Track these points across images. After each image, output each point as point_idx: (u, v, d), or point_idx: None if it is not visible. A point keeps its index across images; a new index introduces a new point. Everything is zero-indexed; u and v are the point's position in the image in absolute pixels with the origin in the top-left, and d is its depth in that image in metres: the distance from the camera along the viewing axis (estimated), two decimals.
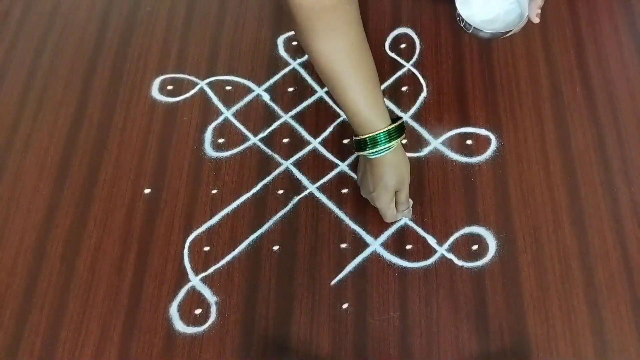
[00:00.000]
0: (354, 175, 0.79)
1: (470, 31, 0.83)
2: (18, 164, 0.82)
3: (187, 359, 0.69)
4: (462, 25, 0.84)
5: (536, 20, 0.78)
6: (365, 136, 0.68)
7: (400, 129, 0.70)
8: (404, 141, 0.81)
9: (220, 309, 0.72)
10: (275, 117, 0.84)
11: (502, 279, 0.72)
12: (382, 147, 0.68)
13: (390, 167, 0.70)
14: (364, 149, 0.69)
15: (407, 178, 0.73)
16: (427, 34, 0.89)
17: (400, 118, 0.71)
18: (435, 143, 0.81)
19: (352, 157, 0.81)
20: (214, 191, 0.79)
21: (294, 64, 0.88)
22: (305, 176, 0.80)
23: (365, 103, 0.68)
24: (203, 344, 0.70)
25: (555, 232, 0.74)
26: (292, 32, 0.90)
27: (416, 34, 0.89)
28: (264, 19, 0.92)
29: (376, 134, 0.68)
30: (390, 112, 0.79)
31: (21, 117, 0.86)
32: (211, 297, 0.72)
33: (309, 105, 0.85)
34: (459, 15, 0.83)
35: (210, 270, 0.74)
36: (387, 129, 0.68)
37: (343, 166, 0.80)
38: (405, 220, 0.76)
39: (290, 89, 0.86)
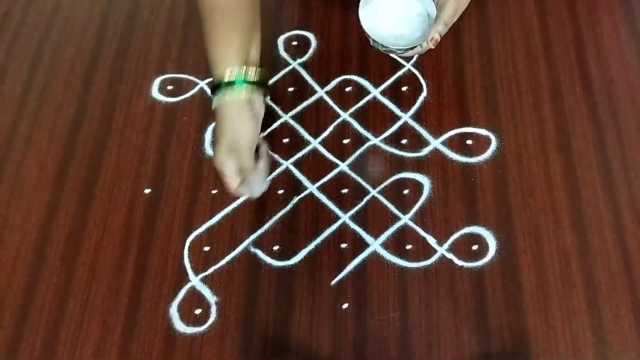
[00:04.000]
0: (354, 175, 0.79)
1: (373, 44, 0.79)
2: (18, 164, 0.82)
3: (187, 359, 0.69)
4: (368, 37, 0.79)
5: (430, 45, 0.74)
6: (224, 77, 0.67)
7: (260, 86, 0.67)
8: (404, 141, 0.81)
9: (220, 309, 0.72)
10: (275, 117, 0.84)
11: (502, 279, 0.72)
12: (229, 92, 0.66)
13: (227, 117, 0.67)
14: (217, 91, 0.67)
15: (246, 142, 0.67)
16: None
17: (264, 71, 0.70)
18: (435, 143, 0.81)
19: (352, 157, 0.81)
20: (214, 191, 0.79)
21: (294, 64, 0.88)
22: (305, 176, 0.80)
23: (229, 44, 0.67)
24: (203, 344, 0.70)
25: (555, 232, 0.74)
26: (292, 32, 0.91)
27: None
28: (264, 19, 0.91)
29: (235, 77, 0.66)
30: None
31: (21, 117, 0.86)
32: (211, 297, 0.72)
33: (309, 105, 0.85)
34: (363, 28, 0.78)
35: (210, 270, 0.74)
36: (246, 74, 0.66)
37: (343, 166, 0.80)
38: (405, 220, 0.76)
39: (290, 89, 0.86)
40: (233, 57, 0.68)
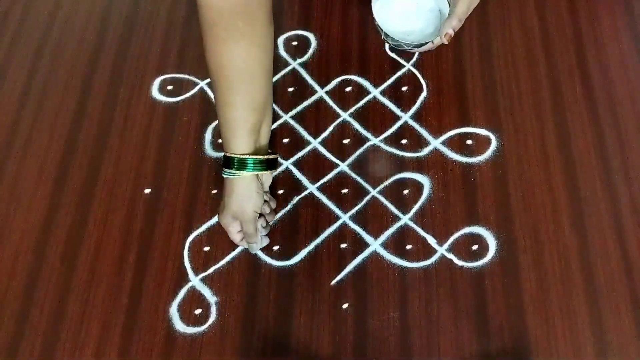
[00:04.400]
0: (354, 175, 0.79)
1: (384, 38, 0.80)
2: (18, 164, 0.82)
3: (187, 359, 0.69)
4: (380, 33, 0.80)
5: (444, 40, 0.74)
6: (236, 155, 0.71)
7: (270, 165, 0.74)
8: (404, 141, 0.81)
9: (220, 309, 0.72)
10: (275, 117, 0.84)
11: (502, 279, 0.72)
12: (241, 172, 0.71)
13: (233, 193, 0.72)
14: (229, 167, 0.71)
15: (249, 214, 0.72)
16: None
17: (275, 154, 0.77)
18: (435, 143, 0.81)
19: (352, 157, 0.81)
20: (214, 191, 0.79)
21: (294, 64, 0.88)
22: (305, 176, 0.80)
23: (244, 124, 0.71)
24: (203, 344, 0.70)
25: (555, 232, 0.74)
26: (292, 32, 0.91)
27: None
28: None
29: (246, 157, 0.70)
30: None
31: (21, 117, 0.86)
32: (211, 297, 0.72)
33: (309, 105, 0.85)
34: (376, 21, 0.79)
35: (210, 270, 0.74)
36: (259, 157, 0.71)
37: (343, 166, 0.80)
38: (405, 220, 0.76)
39: (290, 89, 0.86)
40: (246, 138, 0.71)
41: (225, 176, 0.72)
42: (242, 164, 0.71)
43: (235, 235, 0.74)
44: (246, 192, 0.72)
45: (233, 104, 0.70)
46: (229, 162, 0.71)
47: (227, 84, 0.69)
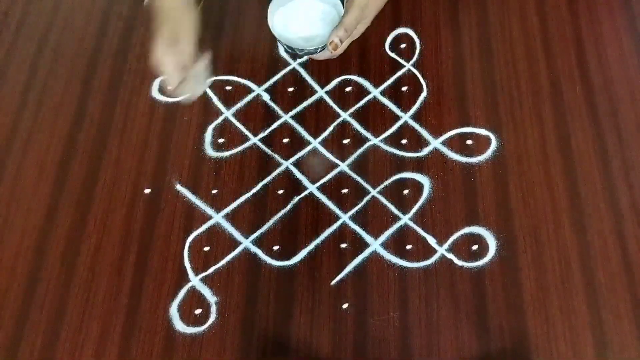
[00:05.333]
0: (354, 175, 0.79)
1: (285, 48, 0.81)
2: (18, 164, 0.82)
3: (187, 359, 0.69)
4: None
5: (329, 49, 0.73)
6: None
7: None
8: (404, 141, 0.81)
9: (220, 309, 0.72)
10: (275, 117, 0.84)
11: (502, 279, 0.72)
12: None
13: (165, 7, 0.66)
14: None
15: (185, 27, 0.66)
16: (427, 34, 0.89)
17: None
18: (435, 143, 0.81)
19: (352, 157, 0.81)
20: (214, 191, 0.79)
21: (294, 64, 0.88)
22: (305, 176, 0.80)
23: None
24: (203, 344, 0.70)
25: (555, 232, 0.74)
26: None
27: (416, 34, 0.89)
28: (264, 19, 0.92)
29: None
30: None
31: (21, 117, 0.86)
32: (211, 297, 0.72)
33: (309, 105, 0.85)
34: (272, 29, 0.80)
35: (210, 270, 0.74)
36: None
37: (343, 166, 0.80)
38: (405, 220, 0.76)
39: (290, 89, 0.86)
40: None
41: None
42: None
43: (172, 75, 0.66)
44: (179, 5, 0.67)
45: None
46: None
47: None
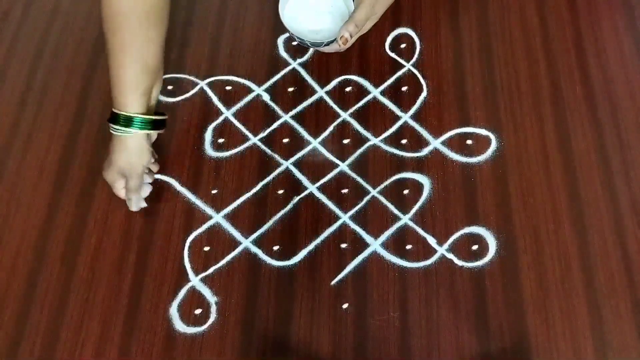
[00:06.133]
0: (354, 175, 0.79)
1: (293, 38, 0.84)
2: (18, 164, 0.82)
3: (187, 359, 0.69)
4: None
5: (339, 43, 0.77)
6: (121, 113, 0.73)
7: (157, 125, 0.77)
8: (404, 141, 0.81)
9: (220, 309, 0.72)
10: (275, 117, 0.84)
11: (502, 279, 0.72)
12: (127, 130, 0.73)
13: (124, 150, 0.74)
14: (115, 123, 0.74)
15: (136, 170, 0.75)
16: (427, 34, 0.89)
17: (163, 114, 0.79)
18: (435, 143, 0.81)
19: (352, 157, 0.81)
20: (214, 191, 0.79)
21: (294, 64, 0.88)
22: (305, 176, 0.80)
23: (136, 83, 0.73)
24: (203, 344, 0.70)
25: (555, 232, 0.74)
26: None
27: (416, 34, 0.89)
28: (264, 19, 0.92)
29: (132, 116, 0.73)
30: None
31: (21, 117, 0.86)
32: (211, 297, 0.72)
33: (309, 105, 0.85)
34: (283, 21, 0.83)
35: (210, 270, 0.74)
36: (146, 116, 0.74)
37: (343, 166, 0.80)
38: (405, 220, 0.76)
39: (290, 89, 0.86)
40: (138, 99, 0.74)
41: (115, 133, 0.74)
42: (128, 122, 0.73)
43: (120, 191, 0.76)
44: (137, 149, 0.75)
45: (127, 66, 0.72)
46: (115, 119, 0.74)
47: (122, 46, 0.72)
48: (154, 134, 0.79)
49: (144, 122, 0.74)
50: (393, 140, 0.81)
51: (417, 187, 0.78)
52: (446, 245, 0.74)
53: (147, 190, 0.77)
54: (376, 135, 0.82)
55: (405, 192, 0.78)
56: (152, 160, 0.78)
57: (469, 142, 0.81)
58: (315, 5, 0.85)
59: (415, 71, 0.86)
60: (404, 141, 0.81)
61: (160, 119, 0.78)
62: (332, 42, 0.80)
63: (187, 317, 0.71)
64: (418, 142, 0.81)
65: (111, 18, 0.71)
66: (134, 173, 0.75)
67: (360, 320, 0.70)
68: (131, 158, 0.75)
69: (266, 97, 0.86)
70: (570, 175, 0.78)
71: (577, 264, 0.72)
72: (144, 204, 0.77)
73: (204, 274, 0.74)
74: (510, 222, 0.75)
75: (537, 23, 0.90)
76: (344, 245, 0.75)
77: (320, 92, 0.86)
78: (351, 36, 0.77)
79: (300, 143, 0.82)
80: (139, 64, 0.73)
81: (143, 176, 0.76)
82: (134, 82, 0.73)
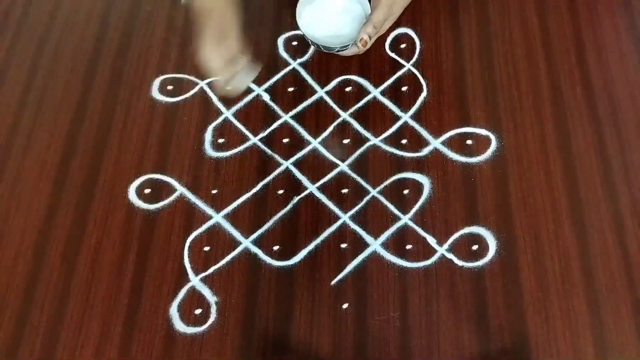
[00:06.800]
0: (354, 175, 0.79)
1: (311, 43, 0.85)
2: (18, 164, 0.82)
3: (187, 359, 0.69)
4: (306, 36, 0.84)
5: (359, 46, 0.76)
6: None
7: None
8: (404, 141, 0.81)
9: (220, 309, 0.72)
10: (275, 117, 0.84)
11: (502, 279, 0.72)
12: None
13: (209, 9, 0.69)
14: None
15: (231, 27, 0.69)
16: (427, 34, 0.89)
17: None
18: (435, 143, 0.81)
19: (353, 157, 0.81)
20: (214, 191, 0.79)
21: (294, 64, 0.88)
22: (305, 176, 0.80)
23: None
24: (203, 344, 0.70)
25: (555, 232, 0.74)
26: (292, 32, 0.90)
27: (416, 34, 0.89)
28: (264, 19, 0.92)
29: None
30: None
31: (21, 117, 0.86)
32: (211, 297, 0.72)
33: (309, 105, 0.85)
34: (300, 27, 0.83)
35: (210, 270, 0.74)
36: None
37: (343, 166, 0.80)
38: (405, 220, 0.76)
39: (290, 89, 0.86)
40: None
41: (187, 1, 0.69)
42: None
43: (222, 72, 0.70)
44: (221, 3, 0.70)
45: None
46: None
47: None
48: None
49: None
50: (393, 140, 0.81)
51: (417, 187, 0.78)
52: (446, 245, 0.74)
53: (251, 76, 0.71)
54: (376, 135, 0.82)
55: (405, 192, 0.78)
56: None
57: (469, 142, 0.81)
58: (331, 10, 0.85)
59: (415, 71, 0.86)
60: (404, 141, 0.81)
61: None
62: (347, 46, 0.81)
63: (187, 317, 0.71)
64: (418, 142, 0.81)
65: None
66: (230, 33, 0.69)
67: (360, 320, 0.70)
68: (222, 16, 0.69)
69: (266, 97, 0.86)
70: (570, 175, 0.78)
71: (577, 264, 0.72)
72: (253, 76, 0.72)
73: (204, 274, 0.74)
74: (510, 222, 0.75)
75: (537, 23, 0.90)
76: (344, 245, 0.75)
77: (320, 92, 0.86)
78: (370, 38, 0.77)
79: (300, 143, 0.82)
80: None
81: (238, 37, 0.70)
82: None
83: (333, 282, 0.73)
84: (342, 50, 0.83)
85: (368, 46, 0.81)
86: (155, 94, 0.87)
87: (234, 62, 0.70)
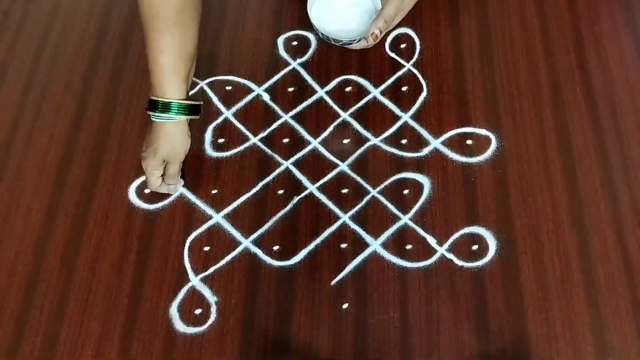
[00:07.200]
0: (354, 175, 0.79)
1: (320, 36, 0.85)
2: (18, 164, 0.82)
3: (187, 359, 0.69)
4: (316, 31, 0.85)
5: (370, 40, 0.78)
6: (160, 99, 0.74)
7: (193, 110, 0.77)
8: (404, 141, 0.81)
9: (220, 309, 0.72)
10: (275, 117, 0.84)
11: (502, 279, 0.72)
12: (168, 115, 0.74)
13: (167, 136, 0.75)
14: (154, 110, 0.74)
15: (179, 155, 0.77)
16: (427, 34, 0.89)
17: (199, 101, 0.79)
18: (435, 143, 0.81)
19: (352, 157, 0.81)
20: (214, 191, 0.79)
21: (294, 64, 0.88)
22: (305, 176, 0.80)
23: (174, 68, 0.73)
24: (203, 344, 0.70)
25: (555, 232, 0.74)
26: (292, 32, 0.90)
27: (416, 34, 0.89)
28: (264, 19, 0.92)
29: (170, 102, 0.74)
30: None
31: (21, 117, 0.86)
32: (211, 297, 0.72)
33: (309, 105, 0.85)
34: (311, 19, 0.84)
35: (210, 270, 0.74)
36: (184, 102, 0.74)
37: (343, 166, 0.80)
38: (405, 220, 0.76)
39: (290, 89, 0.86)
40: (179, 86, 0.75)
41: (156, 120, 0.75)
42: (166, 108, 0.74)
43: (155, 181, 0.76)
44: (179, 135, 0.76)
45: (165, 51, 0.73)
46: (153, 106, 0.74)
47: (160, 33, 0.73)
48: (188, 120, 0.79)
49: (181, 107, 0.75)
50: (393, 140, 0.81)
51: (417, 187, 0.78)
52: (446, 245, 0.74)
53: (181, 182, 0.79)
54: (376, 135, 0.82)
55: (405, 192, 0.78)
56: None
57: (469, 142, 0.81)
58: (341, 4, 0.86)
59: (415, 71, 0.86)
60: (404, 141, 0.81)
61: (197, 104, 0.78)
62: (354, 39, 0.81)
63: (187, 317, 0.71)
64: (418, 142, 0.81)
65: (148, 5, 0.73)
66: (177, 159, 0.76)
67: (360, 320, 0.70)
68: (175, 144, 0.76)
69: (266, 97, 0.86)
70: (570, 175, 0.78)
71: (577, 264, 0.72)
72: (182, 189, 0.78)
73: (204, 274, 0.74)
74: (510, 222, 0.75)
75: (537, 23, 0.90)
76: (344, 245, 0.75)
77: (320, 92, 0.86)
78: (381, 32, 0.78)
79: (300, 143, 0.82)
80: (176, 48, 0.73)
81: (181, 164, 0.77)
82: (173, 68, 0.74)
83: (333, 282, 0.73)
84: (350, 44, 0.83)
85: (377, 40, 0.81)
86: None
87: (169, 179, 0.77)
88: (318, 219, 0.77)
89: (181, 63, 0.74)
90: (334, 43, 0.85)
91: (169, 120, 0.75)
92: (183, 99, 0.75)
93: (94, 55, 0.90)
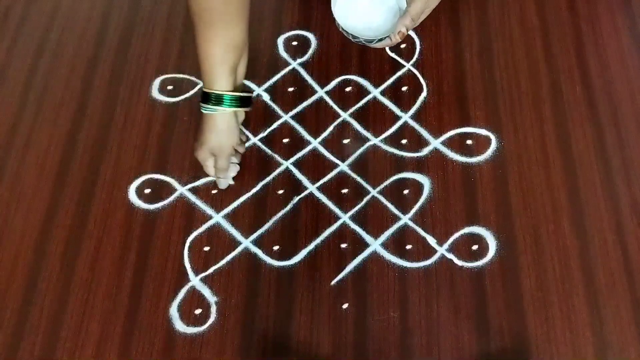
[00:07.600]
0: (354, 175, 0.79)
1: (345, 34, 0.82)
2: (18, 164, 0.82)
3: (187, 359, 0.69)
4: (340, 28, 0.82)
5: (396, 38, 0.77)
6: (213, 92, 0.74)
7: (245, 102, 0.78)
8: (404, 141, 0.81)
9: (220, 309, 0.72)
10: (275, 117, 0.84)
11: (502, 279, 0.72)
12: (213, 107, 0.75)
13: (214, 128, 0.76)
14: (207, 102, 0.75)
15: (226, 150, 0.77)
16: (427, 34, 0.89)
17: (250, 91, 0.83)
18: (435, 143, 0.81)
19: (352, 157, 0.81)
20: (214, 191, 0.79)
21: (294, 64, 0.88)
22: (305, 176, 0.80)
23: (222, 59, 0.74)
24: (203, 344, 0.70)
25: (555, 232, 0.74)
26: (292, 32, 0.90)
27: (416, 34, 0.89)
28: (264, 19, 0.92)
29: (223, 94, 0.74)
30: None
31: (21, 117, 0.86)
32: (211, 297, 0.72)
33: (309, 105, 0.85)
34: (334, 16, 0.81)
35: (210, 270, 0.74)
36: (236, 94, 0.75)
37: (343, 166, 0.80)
38: (405, 220, 0.76)
39: (290, 89, 0.86)
40: (225, 77, 0.75)
41: (205, 112, 0.76)
42: (218, 100, 0.74)
43: (211, 169, 0.78)
44: (225, 128, 0.76)
45: (214, 41, 0.73)
46: (207, 98, 0.75)
47: (209, 24, 0.72)
48: (241, 113, 0.80)
49: (233, 99, 0.75)
50: (393, 140, 0.81)
51: (417, 187, 0.78)
52: (446, 245, 0.74)
53: (234, 170, 0.79)
54: (376, 135, 0.82)
55: (405, 192, 0.78)
56: (240, 141, 0.80)
57: (469, 142, 0.81)
58: (365, 2, 0.83)
59: (415, 71, 0.86)
60: (404, 141, 0.81)
61: (248, 95, 0.79)
62: (383, 38, 0.79)
63: (187, 317, 0.71)
64: (418, 142, 0.81)
65: (197, 2, 0.72)
66: (223, 154, 0.77)
67: (360, 320, 0.70)
68: (221, 138, 0.76)
69: (266, 97, 0.86)
70: (570, 175, 0.78)
71: (577, 264, 0.72)
72: (232, 182, 0.79)
73: (204, 274, 0.74)
74: (510, 222, 0.75)
75: (537, 23, 0.90)
76: (344, 245, 0.75)
77: (320, 92, 0.86)
78: (407, 30, 0.77)
79: (300, 143, 0.82)
80: (225, 39, 0.73)
81: (230, 157, 0.78)
82: (221, 58, 0.74)
83: (333, 282, 0.73)
84: (373, 42, 0.80)
85: (402, 38, 0.79)
86: (155, 93, 0.87)
87: (220, 171, 0.79)
88: (318, 219, 0.77)
89: (229, 55, 0.74)
90: (353, 41, 0.81)
91: (215, 112, 0.75)
92: (231, 91, 0.75)
93: (94, 55, 0.90)
